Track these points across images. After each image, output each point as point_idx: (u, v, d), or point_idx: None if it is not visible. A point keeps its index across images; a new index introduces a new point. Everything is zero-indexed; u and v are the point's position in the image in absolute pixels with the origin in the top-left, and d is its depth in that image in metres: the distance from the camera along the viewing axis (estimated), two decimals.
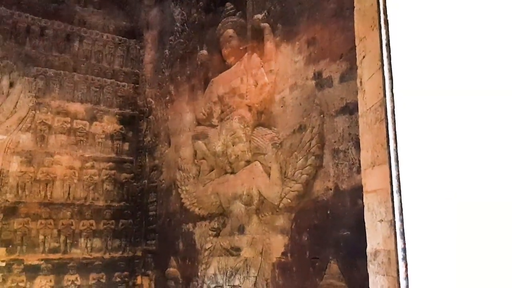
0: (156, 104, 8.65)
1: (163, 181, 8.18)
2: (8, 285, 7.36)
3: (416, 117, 2.51)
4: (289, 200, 5.38)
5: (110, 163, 8.57)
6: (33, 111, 8.02)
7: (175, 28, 8.29)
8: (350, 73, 4.66)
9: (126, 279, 8.34)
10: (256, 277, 5.77)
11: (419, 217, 2.46)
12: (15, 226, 7.58)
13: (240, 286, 5.99)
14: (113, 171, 8.56)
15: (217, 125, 6.88)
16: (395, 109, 2.69)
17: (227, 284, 6.25)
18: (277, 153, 5.63)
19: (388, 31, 2.79)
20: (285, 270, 5.38)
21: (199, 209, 7.08)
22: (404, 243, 2.58)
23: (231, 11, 6.80)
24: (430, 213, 2.37)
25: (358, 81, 3.48)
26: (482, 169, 2.17)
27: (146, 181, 8.65)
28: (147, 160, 8.70)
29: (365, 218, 3.28)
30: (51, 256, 7.79)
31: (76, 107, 8.45)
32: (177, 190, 7.64)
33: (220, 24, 6.95)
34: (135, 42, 9.20)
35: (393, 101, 2.70)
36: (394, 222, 2.67)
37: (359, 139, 3.51)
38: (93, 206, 8.28)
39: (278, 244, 5.49)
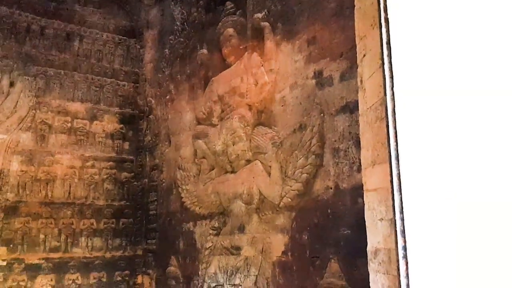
0: (156, 103, 8.65)
1: (164, 180, 8.18)
2: (9, 284, 7.36)
3: (416, 115, 2.51)
4: (289, 199, 5.38)
5: (111, 163, 8.57)
6: (34, 111, 8.01)
7: (175, 27, 8.29)
8: (350, 72, 4.67)
9: (127, 278, 8.33)
10: (256, 276, 5.78)
11: (420, 215, 2.46)
12: (16, 225, 7.58)
13: (241, 285, 6.00)
14: (113, 171, 8.56)
15: (217, 124, 6.88)
16: (395, 108, 2.69)
17: (227, 283, 6.26)
18: (277, 152, 5.63)
19: (388, 29, 2.79)
20: (285, 269, 5.39)
21: (199, 208, 7.09)
22: (405, 242, 2.58)
23: (231, 10, 6.81)
24: (431, 211, 2.37)
25: (358, 79, 3.48)
26: (482, 168, 2.17)
27: (146, 180, 8.65)
28: (147, 159, 8.70)
29: (365, 216, 3.28)
30: (52, 255, 7.79)
31: (76, 107, 8.44)
32: (178, 189, 7.65)
33: (220, 23, 6.95)
34: (135, 41, 9.19)
35: (393, 99, 2.70)
36: (395, 220, 2.68)
37: (359, 138, 3.52)
38: (93, 205, 8.27)
39: (278, 243, 5.50)
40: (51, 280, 7.72)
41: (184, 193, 7.47)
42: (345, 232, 4.61)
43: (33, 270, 7.59)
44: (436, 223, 2.32)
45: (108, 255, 8.26)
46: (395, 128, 2.69)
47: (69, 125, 8.29)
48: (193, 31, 7.81)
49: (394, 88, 2.71)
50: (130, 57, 9.13)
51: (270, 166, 5.73)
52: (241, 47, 6.57)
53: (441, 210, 2.30)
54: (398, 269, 2.62)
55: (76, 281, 7.90)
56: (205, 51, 7.41)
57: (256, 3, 6.35)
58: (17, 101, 7.90)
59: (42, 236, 7.77)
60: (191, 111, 7.59)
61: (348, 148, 4.71)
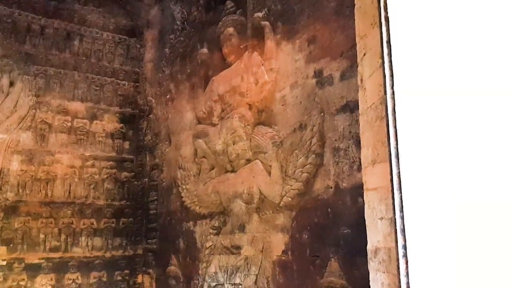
0: (156, 102, 8.65)
1: (164, 179, 8.18)
2: (9, 284, 7.36)
3: (417, 114, 2.50)
4: (289, 199, 5.38)
5: (111, 162, 8.57)
6: (34, 110, 8.02)
7: (175, 26, 8.29)
8: (350, 71, 4.66)
9: (127, 277, 8.34)
10: (256, 275, 5.77)
11: (420, 214, 2.46)
12: (16, 225, 7.58)
13: (241, 284, 6.00)
14: (113, 170, 8.56)
15: (218, 124, 6.88)
16: (395, 107, 2.69)
17: (228, 282, 6.26)
18: (277, 152, 5.63)
19: (388, 28, 2.78)
20: (285, 268, 5.39)
21: (199, 208, 7.09)
22: (405, 240, 2.58)
23: (231, 9, 6.80)
24: (431, 210, 2.37)
25: (358, 79, 3.48)
26: (483, 167, 2.17)
27: (146, 179, 8.65)
28: (147, 158, 8.70)
29: (365, 215, 3.28)
30: (52, 255, 7.79)
31: (77, 106, 8.45)
32: (178, 189, 7.65)
33: (220, 23, 6.95)
34: (135, 40, 9.20)
35: (393, 98, 2.70)
36: (395, 219, 2.67)
37: (359, 137, 3.51)
38: (93, 205, 8.28)
39: (278, 242, 5.49)
40: (51, 279, 7.72)
41: (184, 192, 7.47)
42: (345, 231, 4.61)
43: (33, 270, 7.59)
44: (436, 222, 2.32)
45: (108, 254, 8.26)
46: (395, 127, 2.69)
47: (69, 124, 8.29)
48: (193, 30, 7.81)
49: (394, 87, 2.70)
50: (130, 56, 9.14)
51: (270, 166, 5.72)
52: (241, 46, 6.56)
53: (441, 209, 2.30)
54: (398, 268, 2.62)
55: (76, 280, 7.90)
56: (205, 50, 7.40)
57: (256, 2, 6.34)
58: (17, 101, 7.90)
59: (42, 235, 7.77)
60: (191, 111, 7.59)
61: (348, 147, 4.70)
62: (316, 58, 5.26)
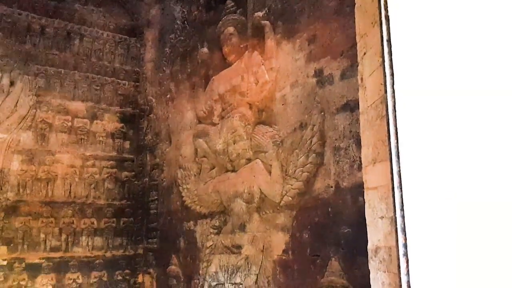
0: (156, 102, 8.65)
1: (164, 179, 8.18)
2: (9, 284, 7.36)
3: (417, 113, 2.50)
4: (290, 198, 5.38)
5: (111, 162, 8.57)
6: (34, 110, 8.01)
7: (176, 26, 8.29)
8: (351, 71, 4.66)
9: (128, 277, 8.33)
10: (257, 274, 5.77)
11: (420, 213, 2.46)
12: (16, 224, 7.58)
13: (242, 284, 6.00)
14: (114, 170, 8.56)
15: (218, 123, 6.88)
16: (396, 106, 2.69)
17: (228, 281, 6.26)
18: (278, 151, 5.63)
19: (389, 27, 2.78)
20: (286, 267, 5.39)
21: (200, 207, 7.09)
22: (405, 239, 2.57)
23: (231, 8, 6.80)
24: (431, 209, 2.37)
25: (359, 77, 3.48)
26: (483, 166, 2.16)
27: (147, 179, 8.65)
28: (148, 158, 8.70)
29: (366, 215, 3.28)
30: (52, 254, 7.79)
31: (77, 106, 8.44)
32: (178, 188, 7.65)
33: (220, 22, 6.95)
34: (136, 40, 9.19)
35: (394, 97, 2.70)
36: (395, 218, 2.67)
37: (360, 137, 3.51)
38: (94, 205, 8.28)
39: (279, 241, 5.49)
40: (52, 279, 7.72)
41: (184, 192, 7.47)
42: (346, 230, 4.61)
43: (33, 270, 7.59)
44: (437, 221, 2.32)
45: (108, 254, 8.26)
46: (395, 126, 2.68)
47: (69, 124, 8.29)
48: (194, 30, 7.81)
49: (394, 86, 2.70)
50: (131, 56, 9.13)
51: (271, 165, 5.72)
52: (241, 45, 6.56)
53: (442, 208, 2.30)
54: (399, 267, 2.62)
55: (76, 280, 7.90)
56: (205, 50, 7.40)
57: (256, 1, 6.34)
58: (18, 100, 7.90)
59: (42, 235, 7.77)
60: (191, 110, 7.59)
61: (348, 146, 4.70)
62: (317, 58, 5.25)
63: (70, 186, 8.11)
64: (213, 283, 6.54)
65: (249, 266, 5.91)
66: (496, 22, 2.19)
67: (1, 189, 7.55)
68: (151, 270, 8.19)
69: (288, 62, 5.66)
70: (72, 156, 8.21)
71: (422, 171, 2.44)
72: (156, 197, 8.33)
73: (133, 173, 8.72)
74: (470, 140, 2.21)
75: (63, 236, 7.93)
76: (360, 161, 3.65)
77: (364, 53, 3.30)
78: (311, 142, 5.16)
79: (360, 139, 3.44)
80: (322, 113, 5.06)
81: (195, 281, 6.94)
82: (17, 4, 8.16)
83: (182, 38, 8.09)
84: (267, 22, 6.04)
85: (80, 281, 7.93)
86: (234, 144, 6.41)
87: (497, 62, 2.18)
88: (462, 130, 2.24)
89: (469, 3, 2.29)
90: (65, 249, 7.90)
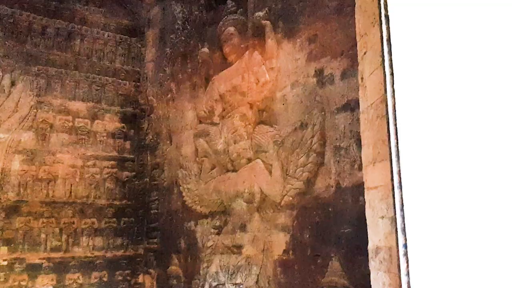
0: (157, 102, 8.64)
1: (165, 179, 8.17)
2: (10, 284, 7.35)
3: (417, 113, 2.50)
4: (290, 198, 5.38)
5: (112, 162, 8.56)
6: (35, 110, 8.00)
7: (176, 26, 8.28)
8: (351, 70, 4.66)
9: (128, 277, 8.32)
10: (258, 275, 5.77)
11: (420, 213, 2.45)
12: (17, 224, 7.56)
13: (242, 284, 5.99)
14: (114, 170, 8.54)
15: (219, 123, 6.88)
16: (396, 105, 2.68)
17: (229, 282, 6.25)
18: (278, 151, 5.63)
19: (389, 26, 2.78)
20: (287, 267, 5.39)
21: (200, 207, 7.08)
22: (405, 239, 2.57)
23: (232, 8, 6.80)
24: (431, 209, 2.36)
25: (359, 77, 3.48)
26: (482, 166, 2.16)
27: (147, 179, 8.64)
28: (148, 158, 8.69)
29: (366, 215, 3.28)
30: (53, 254, 7.77)
31: (78, 106, 8.43)
32: (179, 188, 7.64)
33: (221, 22, 6.94)
34: (136, 40, 9.18)
35: (394, 97, 2.69)
36: (395, 218, 2.66)
37: (360, 136, 3.51)
38: (94, 205, 8.26)
39: (279, 241, 5.49)
40: (52, 280, 7.70)
41: (185, 192, 7.46)
42: (346, 230, 4.61)
43: (34, 270, 7.57)
44: (437, 221, 2.31)
45: (109, 254, 8.25)
46: (395, 125, 2.68)
47: (70, 124, 8.28)
48: (194, 29, 7.81)
49: (394, 85, 2.69)
50: (131, 56, 9.12)
51: (271, 165, 5.72)
52: (242, 45, 6.56)
53: (442, 207, 2.29)
54: (399, 267, 2.61)
55: (77, 280, 7.89)
56: (206, 49, 7.40)
57: (257, 1, 6.34)
58: (18, 101, 7.89)
59: (43, 235, 7.75)
60: (192, 110, 7.58)
61: (349, 146, 4.70)
62: (317, 57, 5.26)
63: (71, 186, 8.10)
64: (214, 283, 6.53)
65: (250, 266, 5.91)
66: (495, 22, 2.19)
67: (2, 189, 7.54)
68: (151, 270, 8.19)
69: (288, 61, 5.66)
70: (72, 156, 8.21)
71: (423, 171, 2.44)
72: (156, 197, 8.32)
73: (134, 173, 8.71)
74: (470, 140, 2.20)
75: (64, 236, 7.91)
76: (361, 161, 3.64)
77: (364, 53, 3.29)
78: (311, 141, 5.16)
79: (361, 139, 3.44)
80: (323, 113, 5.07)
81: (196, 281, 6.93)
82: (18, 4, 8.15)
83: (182, 38, 8.08)
84: (267, 22, 6.04)
85: (80, 281, 7.91)
86: (234, 144, 6.41)
87: (496, 61, 2.17)
88: (462, 130, 2.24)
89: (468, 3, 2.29)
90: (65, 249, 7.89)
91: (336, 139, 4.87)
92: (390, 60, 2.74)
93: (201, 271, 6.84)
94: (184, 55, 8.01)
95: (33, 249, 7.64)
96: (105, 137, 8.58)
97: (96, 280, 8.05)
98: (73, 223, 8.02)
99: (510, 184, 2.11)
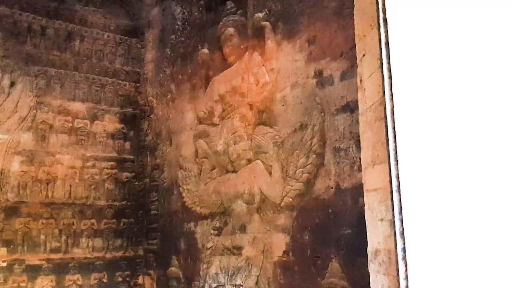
0: (157, 103, 8.64)
1: (165, 180, 8.17)
2: (9, 285, 7.34)
3: (415, 116, 2.49)
4: (290, 199, 5.38)
5: (112, 162, 8.55)
6: (34, 111, 8.00)
7: (176, 27, 8.28)
8: (350, 72, 4.66)
9: (128, 278, 8.32)
10: (258, 276, 5.77)
11: (419, 216, 2.45)
12: (16, 226, 7.56)
13: (242, 285, 5.99)
14: (114, 170, 8.54)
15: (219, 124, 6.88)
16: (394, 109, 2.68)
17: (229, 283, 6.25)
18: (278, 152, 5.63)
19: (387, 30, 2.77)
20: (286, 269, 5.38)
21: (200, 208, 7.08)
22: (404, 243, 2.56)
23: (232, 9, 6.79)
24: (430, 212, 2.36)
25: (358, 79, 3.47)
26: (481, 169, 2.15)
27: (147, 180, 8.64)
28: (148, 159, 8.69)
29: (365, 217, 3.27)
30: (52, 256, 7.77)
31: (77, 106, 8.43)
32: (179, 189, 7.64)
33: (221, 23, 6.94)
34: (136, 41, 9.18)
35: (392, 100, 2.69)
36: (394, 222, 2.66)
37: (360, 138, 3.50)
38: (94, 206, 8.26)
39: (279, 243, 5.49)
40: (52, 281, 7.70)
41: (185, 193, 7.46)
42: (346, 231, 4.61)
43: (33, 271, 7.57)
44: (436, 224, 2.31)
45: (109, 255, 8.25)
46: (393, 129, 2.67)
47: (70, 125, 8.27)
48: (194, 30, 7.81)
49: (392, 89, 2.69)
50: (131, 56, 9.12)
51: (271, 166, 5.72)
52: (242, 46, 6.56)
53: (441, 211, 2.28)
54: (398, 271, 2.60)
55: (76, 282, 7.89)
56: (206, 50, 7.40)
57: (256, 2, 6.34)
58: (18, 101, 7.89)
59: (42, 236, 7.75)
60: (192, 111, 7.58)
61: (349, 147, 4.70)
62: (317, 58, 5.25)
63: (70, 187, 8.10)
64: (214, 285, 6.53)
65: (250, 267, 5.91)
66: (493, 26, 2.18)
67: (1, 190, 7.54)
68: (151, 272, 8.19)
69: (288, 63, 5.66)
70: (72, 157, 8.20)
71: (421, 174, 2.43)
72: (156, 198, 8.32)
73: (134, 174, 8.71)
74: (468, 143, 2.20)
75: (63, 237, 7.91)
76: (360, 162, 3.64)
77: (363, 55, 3.29)
78: (311, 143, 5.16)
79: (360, 140, 3.43)
80: (322, 114, 5.07)
81: (196, 282, 6.93)
82: (18, 5, 8.15)
83: (182, 39, 8.08)
84: (267, 23, 6.04)
85: (80, 282, 7.91)
86: (234, 144, 6.41)
87: (492, 64, 2.17)
88: (460, 133, 2.23)
89: (465, 7, 2.28)
90: (65, 251, 7.89)
91: (336, 140, 4.87)
92: (388, 63, 2.73)
93: (201, 272, 6.84)
94: (184, 56, 8.00)
95: (33, 250, 7.64)
96: (104, 138, 8.58)
97: (95, 281, 8.05)
98: (73, 224, 8.02)
99: (509, 186, 2.10)
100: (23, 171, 7.75)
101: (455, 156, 2.24)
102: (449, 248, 2.25)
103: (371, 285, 3.14)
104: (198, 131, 7.32)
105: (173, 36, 8.36)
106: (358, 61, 3.44)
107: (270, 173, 5.73)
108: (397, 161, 2.63)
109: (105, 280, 8.13)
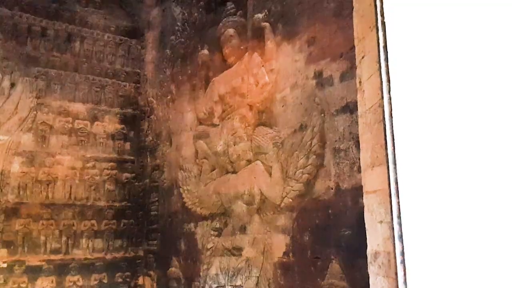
0: (157, 103, 8.64)
1: (165, 180, 8.17)
2: (10, 286, 7.33)
3: (414, 119, 2.49)
4: (290, 200, 5.38)
5: (112, 163, 8.55)
6: (34, 112, 8.00)
7: (176, 27, 8.28)
8: (350, 72, 4.66)
9: (128, 279, 8.32)
10: (258, 277, 5.77)
11: (418, 219, 2.45)
12: (17, 227, 7.56)
13: (242, 286, 6.00)
14: (114, 171, 8.54)
15: (218, 125, 6.88)
16: (392, 112, 2.68)
17: (229, 284, 6.25)
18: (278, 153, 5.63)
19: (385, 33, 2.77)
20: (287, 270, 5.38)
21: (200, 209, 7.08)
22: (403, 247, 2.56)
23: (231, 10, 6.80)
24: (429, 215, 2.35)
25: (357, 81, 3.47)
26: (480, 171, 2.15)
27: (147, 181, 8.64)
28: (148, 159, 8.69)
29: (365, 219, 3.26)
30: (53, 257, 7.77)
31: (78, 107, 8.43)
32: (179, 190, 7.64)
33: (220, 24, 6.94)
34: (136, 41, 9.18)
35: (390, 103, 2.68)
36: (392, 225, 2.66)
37: (359, 139, 3.50)
38: (94, 207, 8.26)
39: (279, 243, 5.49)
40: (52, 282, 7.70)
41: (185, 193, 7.46)
42: (346, 232, 4.61)
43: (33, 272, 7.57)
44: (435, 228, 2.31)
45: (109, 256, 8.25)
46: (392, 132, 2.67)
47: (70, 126, 8.28)
48: (194, 31, 7.81)
49: (391, 92, 2.69)
50: (131, 57, 9.12)
51: (271, 166, 5.72)
52: (241, 47, 6.56)
53: (440, 214, 2.28)
54: (396, 274, 2.60)
55: (77, 282, 7.89)
56: (206, 51, 7.40)
57: (256, 3, 6.34)
58: (18, 102, 7.89)
59: (43, 237, 7.75)
60: (192, 112, 7.58)
61: (348, 148, 4.70)
62: (316, 59, 5.25)
63: (71, 188, 8.10)
64: (214, 286, 6.53)
65: (250, 268, 5.91)
66: (492, 27, 2.18)
67: (1, 191, 7.54)
68: (151, 272, 8.19)
69: (288, 63, 5.66)
70: (72, 157, 8.20)
71: (420, 176, 2.43)
72: (156, 199, 8.32)
73: (134, 174, 8.71)
74: (467, 145, 2.20)
75: (64, 238, 7.91)
76: (360, 163, 3.64)
77: (362, 57, 3.28)
78: (311, 143, 5.16)
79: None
80: (322, 115, 5.06)
81: (196, 283, 6.93)
82: (18, 6, 8.15)
83: (182, 39, 8.08)
84: (267, 24, 6.04)
85: (80, 283, 7.92)
86: (234, 145, 6.41)
87: (492, 65, 2.17)
88: (458, 135, 2.23)
89: (464, 10, 2.28)
90: (65, 252, 7.89)
91: (336, 141, 4.87)
92: (387, 66, 2.73)
93: (201, 273, 6.84)
94: (184, 56, 8.00)
95: (33, 251, 7.64)
96: (105, 139, 8.58)
97: (96, 282, 8.05)
98: (73, 225, 8.02)
99: (508, 189, 2.10)
100: (23, 172, 7.75)
101: (454, 159, 2.24)
102: (448, 251, 2.25)
103: (371, 287, 3.14)
104: (198, 132, 7.32)
105: (173, 37, 8.36)
106: (357, 63, 3.44)
107: (270, 174, 5.73)
108: (395, 164, 2.63)
109: (105, 281, 8.13)
